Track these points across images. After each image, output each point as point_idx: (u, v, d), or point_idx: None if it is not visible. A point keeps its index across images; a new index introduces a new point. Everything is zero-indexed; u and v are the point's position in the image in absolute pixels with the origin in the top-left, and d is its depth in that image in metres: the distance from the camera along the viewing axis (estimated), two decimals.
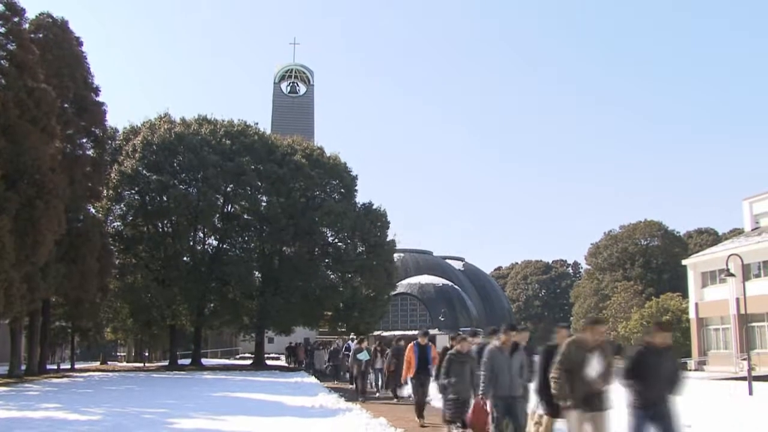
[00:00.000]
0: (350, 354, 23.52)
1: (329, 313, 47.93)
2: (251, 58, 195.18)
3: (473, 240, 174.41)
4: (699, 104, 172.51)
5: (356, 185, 48.07)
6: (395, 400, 19.31)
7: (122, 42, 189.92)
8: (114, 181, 42.55)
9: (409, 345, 15.90)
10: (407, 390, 17.96)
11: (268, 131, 55.69)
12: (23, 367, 33.46)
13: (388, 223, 48.32)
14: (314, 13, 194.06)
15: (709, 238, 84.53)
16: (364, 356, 21.10)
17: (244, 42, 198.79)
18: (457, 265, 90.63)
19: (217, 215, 45.37)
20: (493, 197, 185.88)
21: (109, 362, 56.55)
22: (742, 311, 32.75)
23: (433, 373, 14.08)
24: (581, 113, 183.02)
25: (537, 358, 9.60)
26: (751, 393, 22.58)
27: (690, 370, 42.97)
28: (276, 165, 44.61)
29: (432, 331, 25.85)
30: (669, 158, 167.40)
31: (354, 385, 22.70)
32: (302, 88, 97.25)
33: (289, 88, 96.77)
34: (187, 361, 46.98)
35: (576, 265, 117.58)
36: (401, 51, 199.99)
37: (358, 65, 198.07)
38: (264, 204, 45.55)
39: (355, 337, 27.97)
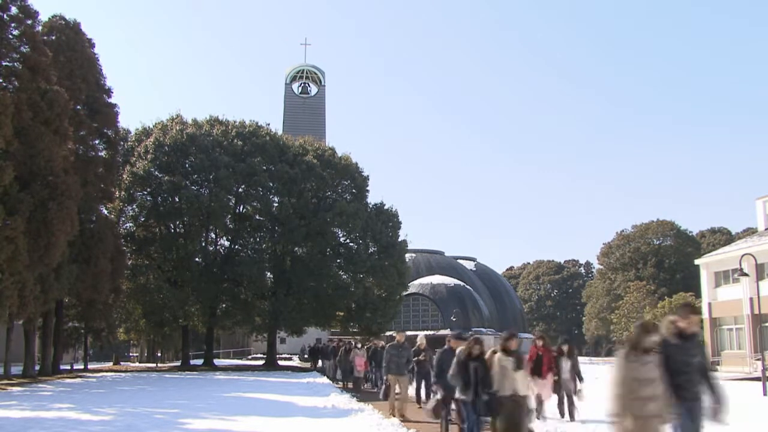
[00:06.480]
0: None
1: (341, 314, 47.94)
2: (262, 58, 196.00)
3: (485, 240, 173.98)
4: (713, 103, 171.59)
5: (368, 185, 48.13)
6: None
7: (134, 43, 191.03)
8: (126, 182, 42.80)
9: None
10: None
11: (280, 132, 55.81)
12: (37, 368, 33.68)
13: (400, 223, 48.40)
14: (325, 14, 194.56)
15: (722, 237, 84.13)
16: None
17: (256, 43, 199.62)
18: (469, 265, 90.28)
19: (229, 216, 45.53)
20: (505, 197, 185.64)
21: (121, 363, 56.93)
22: (756, 311, 32.46)
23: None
24: (594, 114, 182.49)
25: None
26: (765, 394, 22.36)
27: None
28: (287, 165, 44.69)
29: (443, 332, 25.58)
30: (681, 157, 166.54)
31: None
32: (313, 89, 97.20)
33: (300, 88, 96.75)
34: (200, 362, 47.15)
35: (588, 265, 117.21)
36: (412, 51, 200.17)
37: (369, 65, 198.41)
38: (276, 204, 45.66)
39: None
